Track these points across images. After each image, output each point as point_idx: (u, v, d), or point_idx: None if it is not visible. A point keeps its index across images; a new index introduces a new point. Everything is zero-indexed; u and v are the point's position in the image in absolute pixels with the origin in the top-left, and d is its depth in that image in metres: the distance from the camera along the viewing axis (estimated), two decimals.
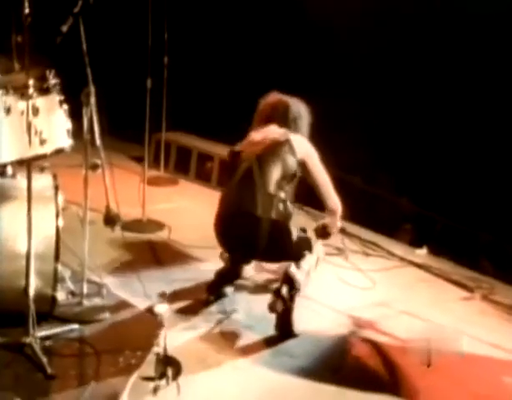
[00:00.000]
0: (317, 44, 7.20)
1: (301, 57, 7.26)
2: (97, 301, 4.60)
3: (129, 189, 6.16)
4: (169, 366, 3.97)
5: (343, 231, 6.20)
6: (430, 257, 5.90)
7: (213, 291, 4.93)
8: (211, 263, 5.22)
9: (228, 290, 5.01)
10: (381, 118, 6.85)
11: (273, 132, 4.89)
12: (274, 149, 4.78)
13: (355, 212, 6.38)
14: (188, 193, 7.20)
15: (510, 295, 5.29)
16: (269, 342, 4.46)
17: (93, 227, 4.78)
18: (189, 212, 6.63)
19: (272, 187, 4.67)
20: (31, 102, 3.79)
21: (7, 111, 3.71)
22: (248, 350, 4.37)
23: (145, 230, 6.03)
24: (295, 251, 4.69)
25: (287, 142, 4.80)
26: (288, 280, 4.52)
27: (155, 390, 3.86)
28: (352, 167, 7.09)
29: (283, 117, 4.92)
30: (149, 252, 5.66)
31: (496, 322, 4.94)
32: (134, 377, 3.85)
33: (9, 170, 4.24)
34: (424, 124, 6.67)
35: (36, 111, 3.83)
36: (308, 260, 4.65)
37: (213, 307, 4.83)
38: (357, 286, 5.28)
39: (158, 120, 7.33)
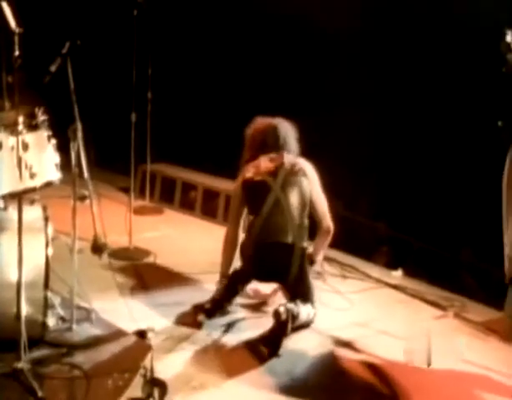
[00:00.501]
0: (290, 69, 7.33)
1: (273, 88, 7.39)
2: (86, 326, 4.67)
3: (116, 218, 6.27)
4: (156, 387, 4.06)
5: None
6: (405, 279, 6.00)
7: (210, 314, 4.99)
8: (195, 287, 5.38)
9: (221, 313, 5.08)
10: (361, 143, 6.96)
11: (286, 159, 5.07)
12: (294, 178, 5.02)
13: (335, 237, 6.52)
14: (172, 222, 7.29)
15: (481, 312, 5.39)
16: (253, 363, 4.55)
17: (82, 255, 4.88)
18: (174, 239, 6.71)
19: (297, 216, 4.92)
20: (20, 137, 3.89)
21: None
22: (232, 370, 4.43)
23: (132, 257, 6.12)
24: (308, 289, 4.97)
25: (302, 170, 5.03)
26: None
27: None
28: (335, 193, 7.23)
29: (275, 141, 5.10)
30: (136, 277, 5.75)
31: (468, 338, 5.03)
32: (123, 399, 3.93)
33: (0, 203, 4.33)
34: (400, 151, 6.80)
35: (26, 146, 3.93)
36: (309, 311, 4.87)
37: (201, 330, 4.90)
38: (335, 307, 5.38)
39: (143, 152, 7.44)
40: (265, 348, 4.63)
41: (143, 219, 7.09)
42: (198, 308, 5.03)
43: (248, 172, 5.11)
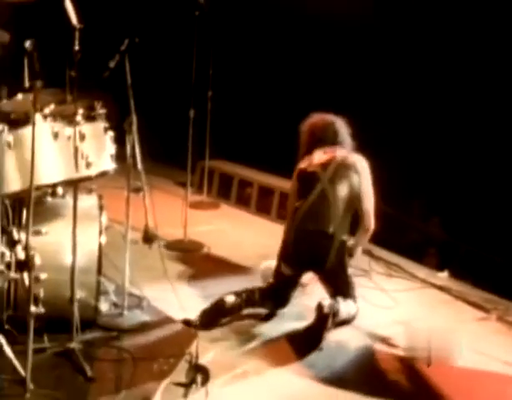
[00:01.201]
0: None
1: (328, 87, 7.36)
2: (137, 312, 4.73)
3: (173, 212, 6.36)
4: (199, 372, 4.09)
5: (370, 253, 6.31)
6: (451, 280, 5.91)
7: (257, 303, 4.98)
8: (246, 281, 5.33)
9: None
10: (414, 143, 6.90)
11: (339, 153, 5.07)
12: (344, 172, 5.00)
13: (384, 237, 6.48)
14: (228, 217, 7.32)
15: None
16: (295, 355, 4.56)
17: (137, 245, 4.95)
18: (228, 233, 6.73)
19: (341, 209, 4.91)
20: (78, 128, 3.96)
21: (55, 136, 3.87)
22: (274, 361, 4.44)
23: (186, 249, 6.18)
24: (346, 283, 4.92)
25: (353, 164, 5.01)
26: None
27: (185, 394, 3.99)
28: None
29: (332, 136, 5.11)
30: (188, 268, 5.79)
31: (510, 341, 4.95)
32: (166, 382, 3.96)
33: (60, 191, 4.41)
34: (454, 150, 6.70)
35: (82, 137, 3.99)
36: (350, 307, 4.82)
37: (247, 321, 4.92)
38: (379, 305, 5.33)
39: (202, 149, 7.50)
40: (307, 342, 4.61)
41: (199, 213, 7.13)
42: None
43: (303, 163, 5.14)
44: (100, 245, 4.33)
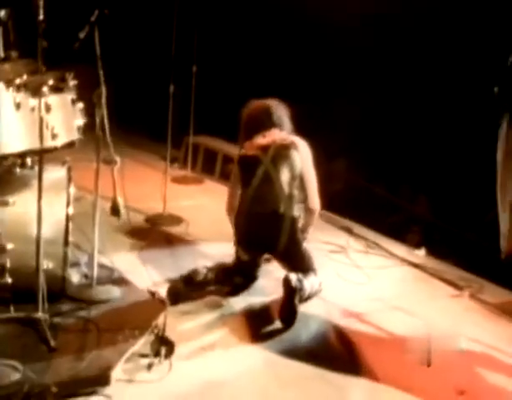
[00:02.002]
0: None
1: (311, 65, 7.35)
2: (107, 284, 4.71)
3: (156, 187, 6.35)
4: (164, 345, 4.10)
5: (349, 230, 6.32)
6: (428, 258, 5.89)
7: (225, 280, 5.01)
8: (222, 256, 5.31)
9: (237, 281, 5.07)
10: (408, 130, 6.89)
11: (278, 135, 5.07)
12: (284, 152, 5.02)
13: (370, 216, 6.49)
14: (210, 192, 7.31)
15: (498, 294, 5.27)
16: (262, 328, 4.57)
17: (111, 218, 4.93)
18: (209, 208, 6.72)
19: (286, 187, 4.94)
20: (43, 99, 3.93)
21: (17, 106, 3.85)
22: (242, 335, 4.46)
23: (164, 223, 6.17)
24: (303, 259, 4.92)
25: (293, 144, 4.98)
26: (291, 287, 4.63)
27: (149, 366, 4.00)
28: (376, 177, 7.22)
29: (268, 119, 5.12)
30: (164, 242, 5.80)
31: (481, 319, 4.95)
32: (129, 353, 3.96)
33: (28, 161, 4.39)
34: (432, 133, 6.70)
35: (48, 108, 3.97)
36: (312, 281, 4.81)
37: (216, 296, 4.91)
38: (351, 280, 5.34)
39: (187, 124, 7.48)
40: (280, 319, 4.61)
41: (181, 188, 7.14)
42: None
43: (243, 149, 5.16)
44: (67, 216, 4.32)
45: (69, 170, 4.47)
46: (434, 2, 6.54)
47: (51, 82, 4.15)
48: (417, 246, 6.08)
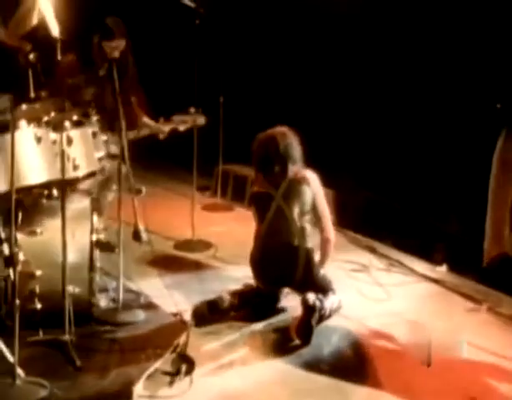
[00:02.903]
0: None
1: None
2: (134, 308, 4.92)
3: (187, 215, 6.53)
4: (184, 362, 4.30)
5: (372, 249, 6.45)
6: (449, 274, 5.99)
7: (243, 299, 5.15)
8: (249, 279, 5.42)
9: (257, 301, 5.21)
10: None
11: (289, 171, 5.18)
12: (295, 188, 5.17)
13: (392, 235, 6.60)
14: (240, 218, 7.48)
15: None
16: (283, 346, 4.73)
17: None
18: (237, 233, 6.87)
19: (299, 223, 5.10)
20: (65, 133, 4.19)
21: (38, 140, 4.11)
22: (261, 352, 4.64)
23: (193, 249, 6.38)
24: (321, 284, 5.06)
25: (304, 179, 5.17)
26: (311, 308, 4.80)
27: (170, 383, 4.20)
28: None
29: (275, 152, 5.16)
30: (192, 267, 5.99)
31: (500, 332, 5.03)
32: (151, 370, 4.16)
33: (55, 193, 4.64)
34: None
35: (69, 141, 4.22)
36: (332, 300, 4.98)
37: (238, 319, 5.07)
38: (370, 297, 5.47)
39: (221, 154, 7.69)
40: (297, 336, 4.76)
41: (211, 215, 7.33)
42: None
43: (255, 186, 5.39)
44: (92, 243, 4.56)
45: (93, 200, 4.73)
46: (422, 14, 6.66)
47: (75, 117, 4.43)
48: (439, 262, 6.17)
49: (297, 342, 4.75)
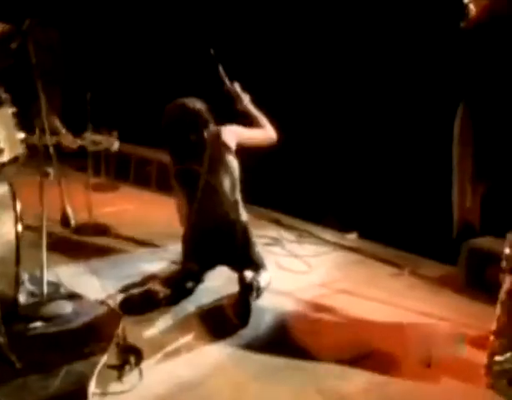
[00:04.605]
0: None
1: None
2: (56, 299, 4.62)
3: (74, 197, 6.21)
4: (131, 353, 4.07)
5: (279, 222, 6.42)
6: (360, 241, 6.07)
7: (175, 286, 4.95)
8: (156, 259, 5.44)
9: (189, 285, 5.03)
10: None
11: (206, 138, 4.99)
12: (218, 158, 4.96)
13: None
14: (129, 197, 7.26)
15: (435, 269, 5.48)
16: (221, 327, 4.60)
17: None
18: (132, 213, 6.72)
19: (230, 194, 4.93)
20: None
21: None
22: (203, 336, 4.48)
23: (93, 232, 6.13)
24: (256, 260, 4.98)
25: (223, 144, 4.96)
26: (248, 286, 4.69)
27: (120, 376, 3.96)
28: None
29: (188, 118, 4.97)
30: (99, 251, 5.73)
31: (425, 293, 5.13)
32: (100, 366, 3.91)
33: None
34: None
35: None
36: (264, 276, 4.91)
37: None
38: (294, 270, 5.45)
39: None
40: (235, 317, 4.64)
41: (100, 196, 7.03)
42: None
43: (175, 161, 5.09)
44: (17, 234, 4.21)
45: (11, 185, 4.35)
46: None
47: None
48: (348, 230, 6.22)
49: (233, 321, 4.63)
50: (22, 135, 4.15)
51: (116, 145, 4.95)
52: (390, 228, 5.94)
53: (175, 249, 5.38)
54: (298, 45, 6.72)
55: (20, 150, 4.08)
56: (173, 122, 5.03)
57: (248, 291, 4.65)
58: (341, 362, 4.16)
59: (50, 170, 4.65)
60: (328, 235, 6.18)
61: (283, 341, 4.47)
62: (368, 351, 4.29)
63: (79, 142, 4.82)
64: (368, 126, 6.30)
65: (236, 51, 6.57)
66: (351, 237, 6.13)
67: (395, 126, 6.05)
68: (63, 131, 5.08)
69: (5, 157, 3.96)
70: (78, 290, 4.82)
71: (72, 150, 4.92)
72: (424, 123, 5.78)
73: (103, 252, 5.74)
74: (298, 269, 5.48)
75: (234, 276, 4.90)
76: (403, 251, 5.76)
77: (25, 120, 4.29)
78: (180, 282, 4.97)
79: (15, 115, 4.13)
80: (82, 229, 6.07)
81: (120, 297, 4.82)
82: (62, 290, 4.76)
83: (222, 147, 4.99)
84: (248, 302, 4.62)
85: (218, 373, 4.09)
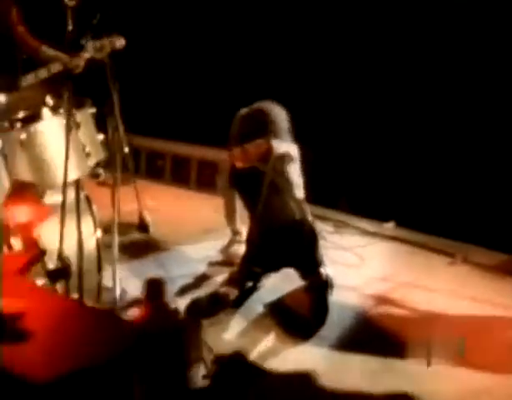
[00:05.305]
0: None
1: None
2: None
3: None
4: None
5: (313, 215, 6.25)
6: (399, 230, 5.95)
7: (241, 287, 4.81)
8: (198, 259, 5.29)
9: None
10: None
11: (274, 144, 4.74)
12: (282, 163, 4.73)
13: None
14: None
15: (485, 256, 5.40)
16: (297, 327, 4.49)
17: None
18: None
19: (294, 193, 4.71)
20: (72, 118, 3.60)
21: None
22: (283, 337, 4.38)
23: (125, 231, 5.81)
24: (320, 258, 4.78)
25: (287, 154, 4.74)
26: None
27: None
28: None
29: (264, 126, 4.76)
30: (140, 251, 5.49)
31: (487, 280, 5.07)
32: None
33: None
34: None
35: (78, 126, 3.65)
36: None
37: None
38: (347, 263, 5.32)
39: None
40: (312, 316, 4.53)
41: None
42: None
43: (236, 161, 4.83)
44: (98, 241, 4.00)
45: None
46: None
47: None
48: (386, 219, 6.07)
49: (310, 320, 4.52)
50: (101, 137, 3.92)
51: (122, 41, 4.63)
52: (429, 217, 5.84)
53: (213, 247, 5.34)
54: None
55: (102, 153, 3.85)
56: (246, 126, 4.84)
57: (325, 288, 4.53)
58: (436, 362, 4.08)
59: (101, 171, 4.48)
60: (366, 225, 6.04)
61: (373, 341, 4.37)
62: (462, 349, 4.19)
63: (85, 55, 4.44)
64: (416, 111, 6.20)
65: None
66: (389, 226, 6.00)
67: (446, 110, 5.97)
68: (53, 52, 4.70)
69: (92, 162, 3.73)
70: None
71: (81, 70, 4.56)
72: (475, 109, 5.73)
73: (143, 251, 5.50)
74: (351, 262, 5.35)
75: (290, 272, 4.79)
76: (451, 240, 5.65)
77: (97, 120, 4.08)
78: (243, 283, 4.82)
79: (94, 116, 3.90)
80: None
81: (182, 301, 4.62)
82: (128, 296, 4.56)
83: (286, 157, 4.76)
84: (326, 299, 4.52)
85: (317, 377, 3.97)
